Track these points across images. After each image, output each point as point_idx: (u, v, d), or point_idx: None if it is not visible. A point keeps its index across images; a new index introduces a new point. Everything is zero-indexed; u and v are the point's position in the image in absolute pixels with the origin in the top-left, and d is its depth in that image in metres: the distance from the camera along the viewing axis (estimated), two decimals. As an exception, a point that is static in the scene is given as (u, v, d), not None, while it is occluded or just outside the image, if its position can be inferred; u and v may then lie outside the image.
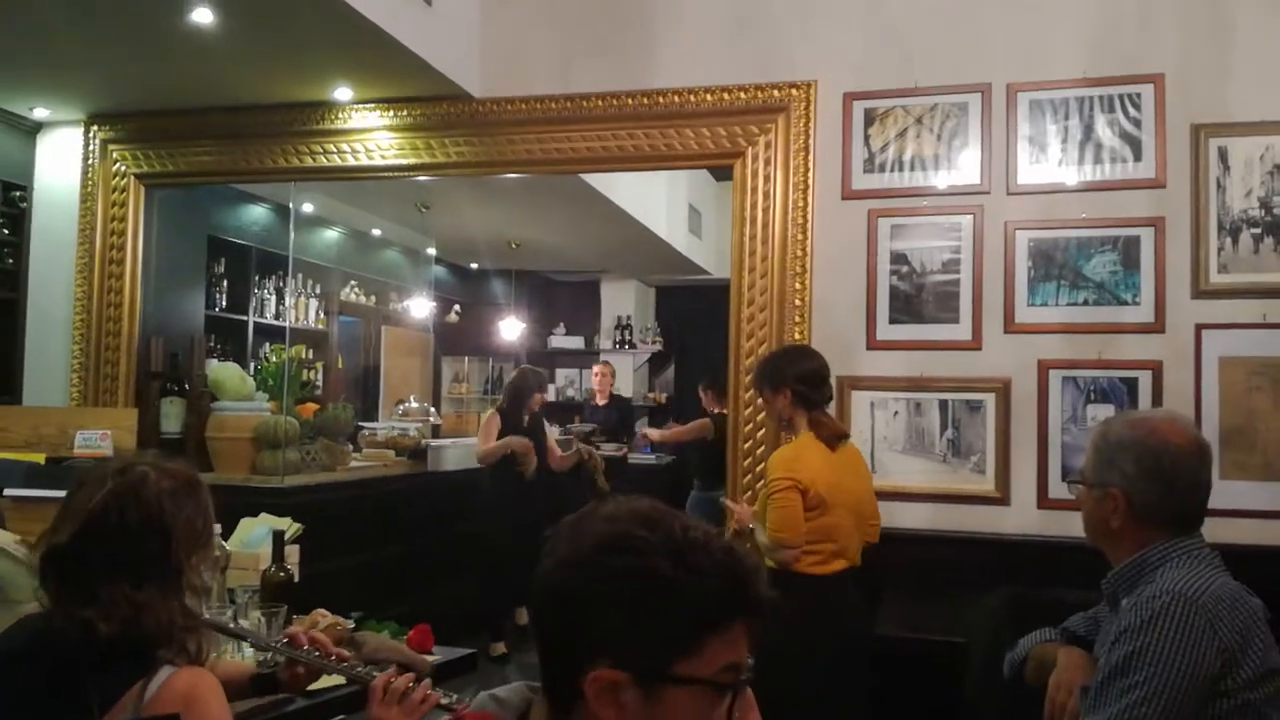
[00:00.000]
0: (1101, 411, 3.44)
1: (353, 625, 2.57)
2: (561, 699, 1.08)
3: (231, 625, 1.99)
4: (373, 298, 8.01)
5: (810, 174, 3.74)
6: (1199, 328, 3.38)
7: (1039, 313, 3.54)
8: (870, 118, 3.72)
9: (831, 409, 3.22)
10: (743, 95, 3.80)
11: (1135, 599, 1.71)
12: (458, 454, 5.93)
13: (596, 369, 8.09)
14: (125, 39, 3.63)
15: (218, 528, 1.88)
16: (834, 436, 2.88)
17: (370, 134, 4.20)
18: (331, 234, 7.42)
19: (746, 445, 3.76)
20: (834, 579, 2.79)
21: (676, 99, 3.86)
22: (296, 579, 3.13)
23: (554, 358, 10.17)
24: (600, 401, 8.03)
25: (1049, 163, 3.54)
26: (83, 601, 1.54)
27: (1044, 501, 3.49)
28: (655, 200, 7.15)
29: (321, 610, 2.56)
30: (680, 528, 1.07)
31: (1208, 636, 1.61)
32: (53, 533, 1.61)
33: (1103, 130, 3.49)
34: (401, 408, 6.88)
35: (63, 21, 3.48)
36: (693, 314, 9.56)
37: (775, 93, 3.78)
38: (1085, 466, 1.92)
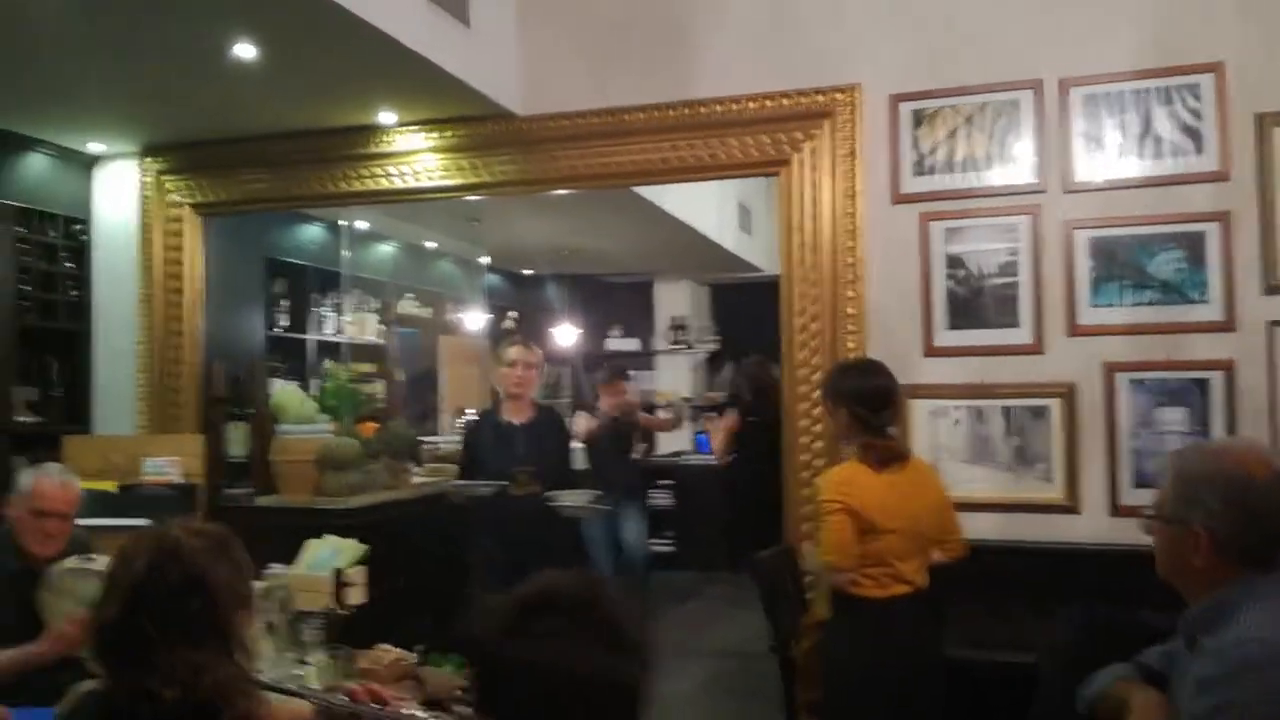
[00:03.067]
0: (1172, 415, 3.33)
1: (416, 660, 2.58)
2: None
3: (288, 685, 1.99)
4: (429, 309, 8.07)
5: (858, 179, 3.67)
6: (1271, 325, 3.25)
7: (1103, 314, 3.43)
8: (918, 119, 3.64)
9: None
10: (786, 102, 3.74)
11: (1218, 643, 1.64)
12: (517, 465, 5.94)
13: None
14: (175, 73, 3.69)
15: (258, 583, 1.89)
16: (884, 460, 2.80)
17: (416, 156, 4.23)
18: (386, 248, 7.50)
19: (803, 457, 3.70)
20: (894, 603, 2.72)
21: (719, 108, 3.81)
22: (365, 599, 3.17)
23: (610, 360, 10.16)
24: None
25: (1107, 159, 3.43)
26: (142, 671, 1.56)
27: (1116, 509, 3.38)
28: (704, 202, 7.10)
29: (385, 645, 2.58)
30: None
31: None
32: (101, 610, 1.63)
33: (1162, 123, 3.37)
34: (460, 420, 6.93)
35: (114, 59, 3.56)
36: (748, 311, 9.44)
37: (819, 98, 3.71)
38: (1161, 500, 1.83)
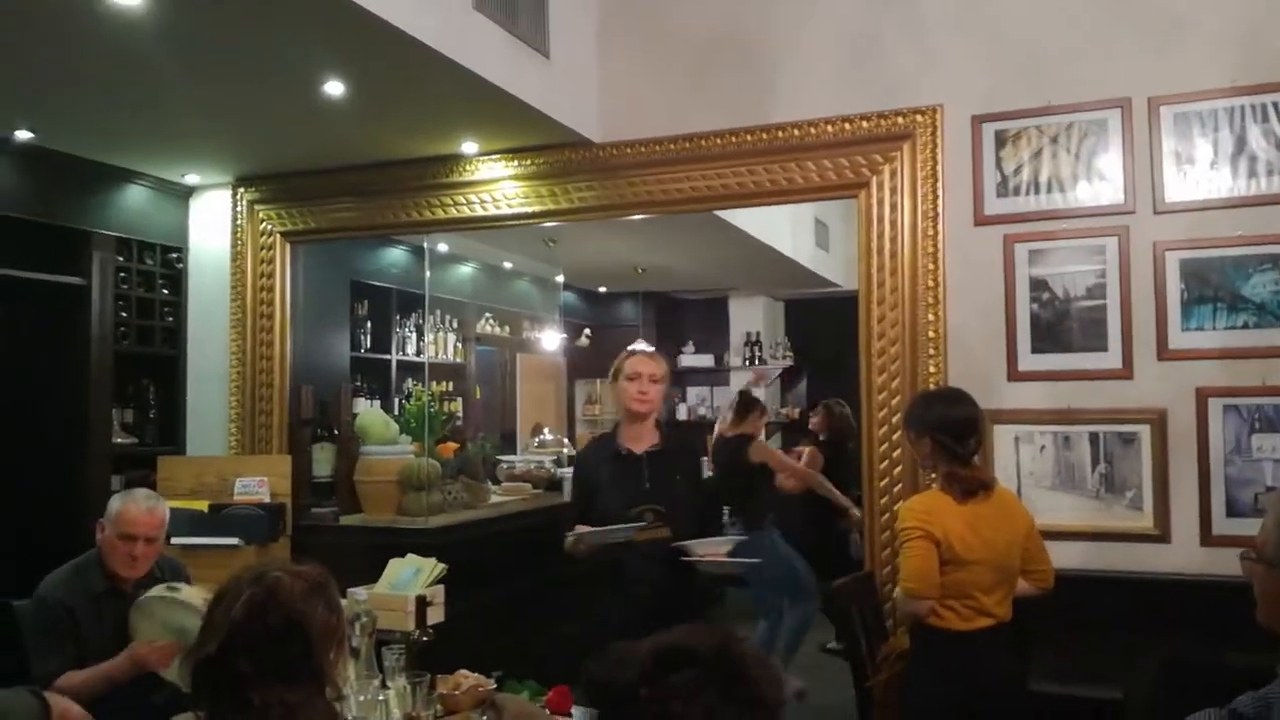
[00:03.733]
0: (1268, 441, 3.23)
1: (494, 685, 2.62)
2: None
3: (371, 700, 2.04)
4: (506, 327, 8.19)
5: (940, 201, 3.63)
6: (1374, 349, 3.13)
7: (1194, 337, 3.34)
8: (1001, 139, 3.59)
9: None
10: (865, 124, 3.72)
11: None
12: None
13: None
14: (266, 107, 3.83)
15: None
16: (967, 491, 2.75)
17: (497, 184, 4.31)
18: (465, 269, 7.63)
19: (882, 483, 3.67)
20: (976, 636, 2.67)
21: (796, 132, 3.81)
22: (443, 618, 3.22)
23: (684, 376, 10.17)
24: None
25: (1198, 178, 3.34)
26: (237, 709, 1.61)
27: (1208, 539, 3.28)
28: (780, 219, 7.08)
29: (464, 671, 2.62)
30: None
31: None
32: (200, 646, 1.68)
33: (1256, 141, 3.27)
34: (537, 439, 7.01)
35: (211, 97, 3.71)
36: (824, 326, 9.38)
37: (899, 120, 3.68)
38: (1263, 540, 1.77)
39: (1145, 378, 3.38)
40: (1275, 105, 3.26)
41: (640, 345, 3.69)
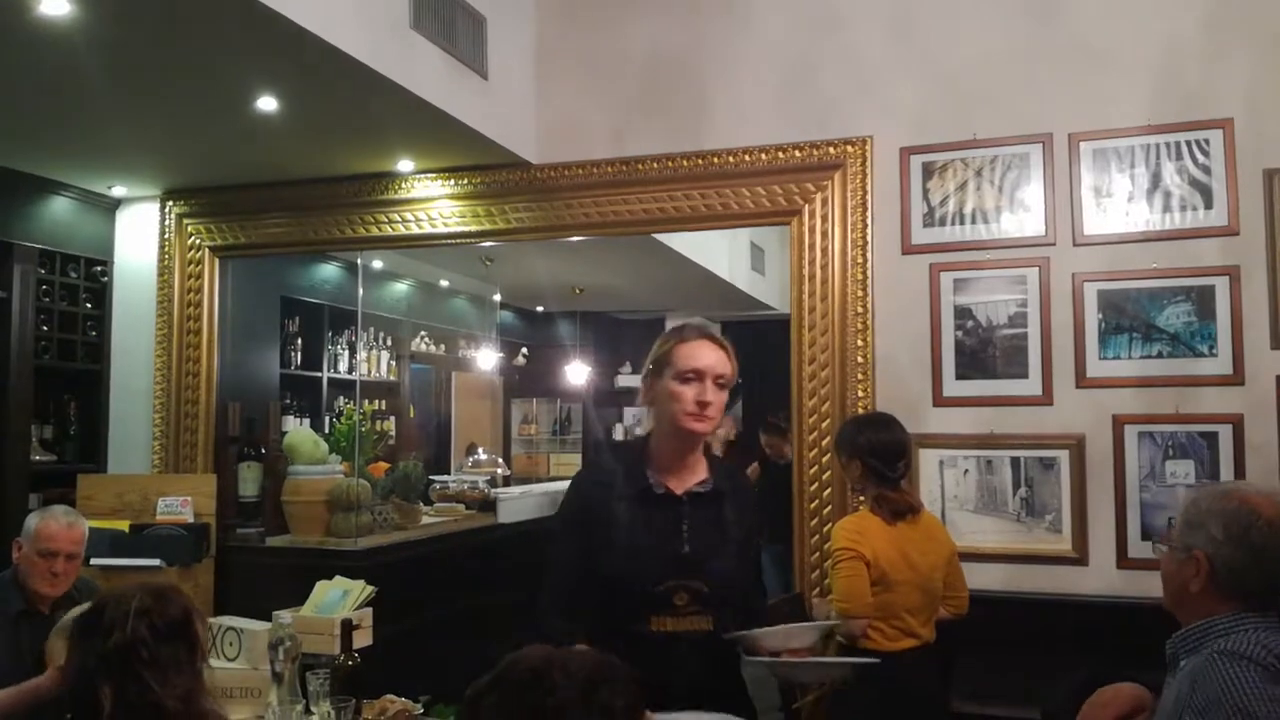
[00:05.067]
0: (1181, 468, 3.34)
1: (420, 710, 2.59)
2: None
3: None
4: (442, 346, 8.13)
5: (869, 229, 3.71)
6: (1280, 379, 3.26)
7: (1111, 366, 3.45)
8: (928, 171, 3.68)
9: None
10: (798, 153, 3.79)
11: (1196, 662, 1.69)
12: (526, 504, 5.97)
13: None
14: (197, 121, 3.77)
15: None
16: (896, 513, 2.82)
17: (432, 203, 4.29)
18: (401, 286, 7.57)
19: (812, 505, 3.72)
20: (903, 656, 2.73)
21: (731, 159, 3.86)
22: (371, 641, 3.18)
23: (620, 396, 10.18)
24: None
25: (1116, 212, 3.47)
26: (141, 695, 1.75)
27: (1124, 561, 3.39)
28: (717, 242, 7.15)
29: (390, 696, 2.59)
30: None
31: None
32: (103, 638, 1.80)
33: (1171, 178, 3.40)
34: (471, 459, 6.96)
35: (137, 107, 3.63)
36: (759, 349, 9.47)
37: (831, 149, 3.76)
38: (1172, 532, 1.89)
39: (1064, 404, 3.48)
40: (1188, 143, 3.39)
41: (697, 323, 2.34)
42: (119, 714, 1.75)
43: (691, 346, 2.16)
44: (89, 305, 4.81)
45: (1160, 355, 3.40)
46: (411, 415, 7.58)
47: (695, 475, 2.18)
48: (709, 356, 2.15)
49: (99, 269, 4.83)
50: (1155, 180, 3.43)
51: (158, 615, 1.83)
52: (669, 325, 10.13)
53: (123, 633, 1.79)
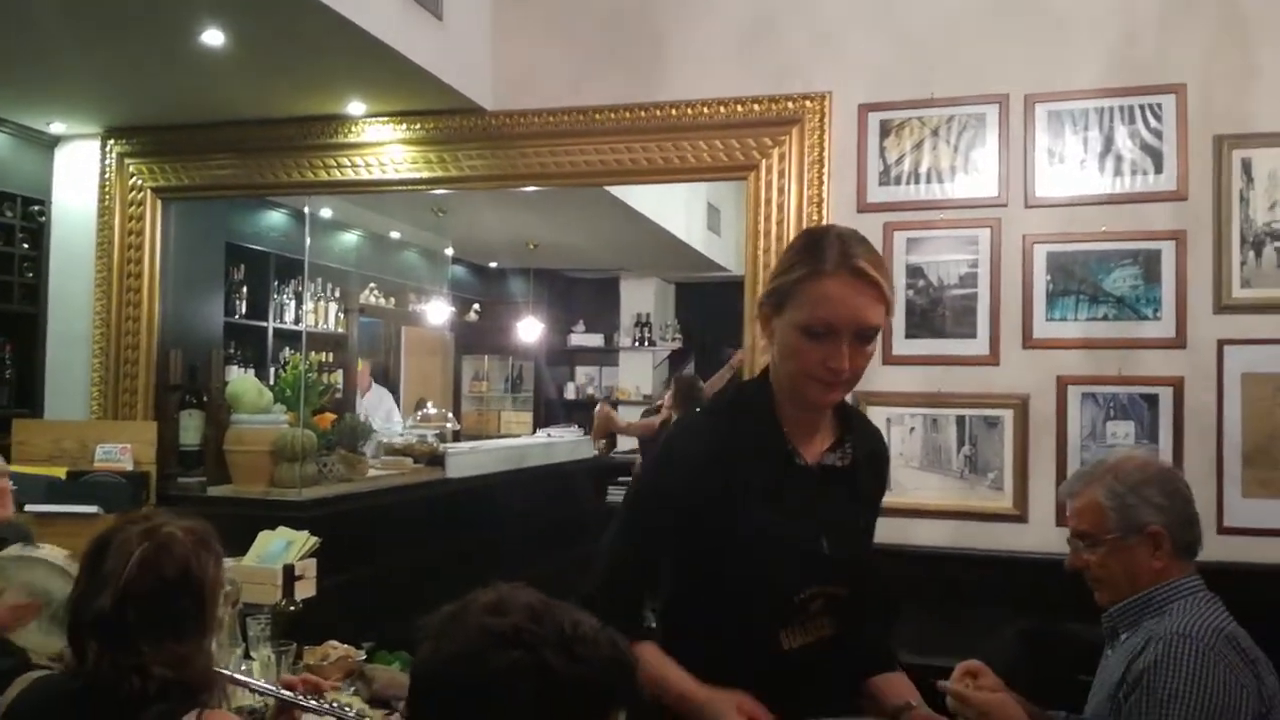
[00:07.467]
0: (1121, 428, 3.40)
1: (364, 656, 2.57)
2: None
3: (233, 671, 1.99)
4: (392, 299, 8.04)
5: (825, 187, 3.69)
6: (1221, 343, 3.31)
7: (1058, 327, 3.48)
8: (886, 129, 3.67)
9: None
10: (756, 108, 3.76)
11: (1155, 635, 1.73)
12: (477, 460, 5.94)
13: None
14: (140, 55, 3.64)
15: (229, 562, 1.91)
16: None
17: (383, 147, 4.20)
18: (350, 237, 7.45)
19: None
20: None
21: (689, 111, 3.82)
22: (314, 592, 3.15)
23: (573, 355, 10.18)
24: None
25: (1068, 175, 3.48)
26: (128, 660, 1.60)
27: (1062, 520, 3.43)
28: (673, 201, 7.13)
29: (333, 642, 2.57)
30: (569, 622, 1.10)
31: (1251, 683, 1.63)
32: (89, 597, 1.65)
33: (1123, 142, 3.43)
34: (420, 413, 6.91)
35: (77, 38, 3.49)
36: (713, 310, 9.55)
37: (789, 105, 3.73)
38: (1096, 526, 1.90)
39: (1010, 364, 3.52)
40: (1141, 108, 3.42)
41: (842, 236, 1.68)
42: (102, 667, 1.64)
43: (829, 285, 1.57)
44: (25, 246, 4.65)
45: (1106, 318, 3.44)
46: (360, 368, 7.49)
47: (826, 437, 1.69)
48: (851, 302, 1.60)
49: (36, 208, 4.67)
50: (1108, 144, 3.45)
51: (152, 573, 1.64)
52: (623, 286, 10.29)
53: (116, 585, 1.64)
